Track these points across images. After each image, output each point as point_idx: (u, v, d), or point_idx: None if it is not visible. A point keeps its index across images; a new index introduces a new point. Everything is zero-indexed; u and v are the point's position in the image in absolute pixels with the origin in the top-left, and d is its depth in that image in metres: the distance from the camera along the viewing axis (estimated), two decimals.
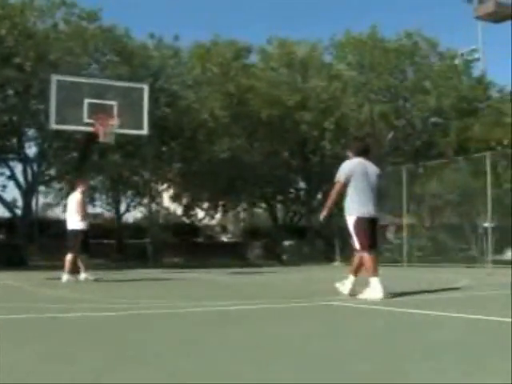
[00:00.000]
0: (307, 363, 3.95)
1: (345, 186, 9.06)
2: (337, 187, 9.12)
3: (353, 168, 9.11)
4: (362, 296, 8.75)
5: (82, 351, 4.47)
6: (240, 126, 33.64)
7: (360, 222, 9.00)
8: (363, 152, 9.45)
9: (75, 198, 14.77)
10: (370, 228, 9.06)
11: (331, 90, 32.99)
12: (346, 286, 9.22)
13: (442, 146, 32.46)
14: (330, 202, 9.23)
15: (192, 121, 31.74)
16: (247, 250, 39.52)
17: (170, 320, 6.71)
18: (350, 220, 9.09)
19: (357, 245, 9.02)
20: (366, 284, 8.80)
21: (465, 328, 5.85)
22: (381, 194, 9.42)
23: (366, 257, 8.90)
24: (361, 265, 9.08)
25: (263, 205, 41.72)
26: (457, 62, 36.57)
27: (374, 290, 8.67)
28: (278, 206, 41.63)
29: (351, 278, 9.16)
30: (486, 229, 26.36)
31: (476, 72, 37.85)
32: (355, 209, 9.04)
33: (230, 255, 36.31)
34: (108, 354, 4.38)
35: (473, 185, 26.96)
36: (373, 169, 9.29)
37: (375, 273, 8.77)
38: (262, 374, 3.67)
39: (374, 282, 8.72)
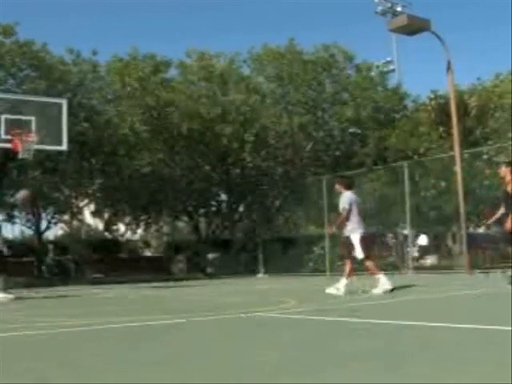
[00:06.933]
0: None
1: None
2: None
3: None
4: None
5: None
6: (160, 140, 33.54)
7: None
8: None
9: None
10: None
11: (250, 103, 33.17)
12: None
13: (361, 156, 32.97)
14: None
15: (112, 135, 31.49)
16: (171, 264, 39.31)
17: (98, 337, 6.70)
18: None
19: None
20: None
21: (389, 334, 6.01)
22: None
23: None
24: None
25: (185, 218, 41.57)
26: (373, 73, 37.25)
27: None
28: (201, 219, 41.50)
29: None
30: (405, 236, 26.91)
31: (391, 83, 38.68)
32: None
33: (154, 270, 36.07)
34: None
35: (391, 193, 27.49)
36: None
37: None
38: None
39: None
